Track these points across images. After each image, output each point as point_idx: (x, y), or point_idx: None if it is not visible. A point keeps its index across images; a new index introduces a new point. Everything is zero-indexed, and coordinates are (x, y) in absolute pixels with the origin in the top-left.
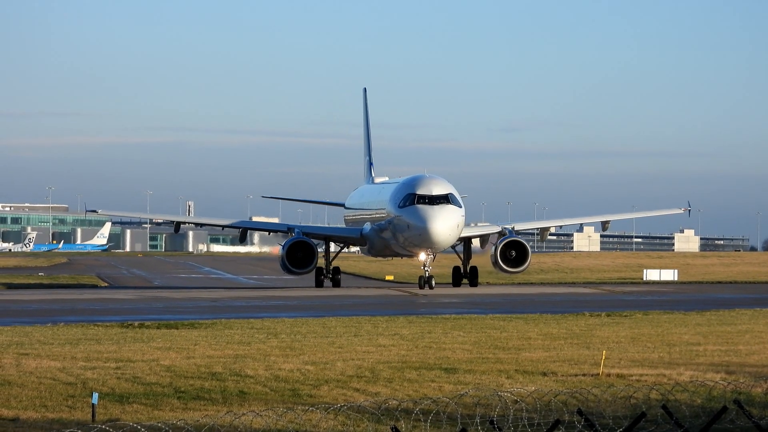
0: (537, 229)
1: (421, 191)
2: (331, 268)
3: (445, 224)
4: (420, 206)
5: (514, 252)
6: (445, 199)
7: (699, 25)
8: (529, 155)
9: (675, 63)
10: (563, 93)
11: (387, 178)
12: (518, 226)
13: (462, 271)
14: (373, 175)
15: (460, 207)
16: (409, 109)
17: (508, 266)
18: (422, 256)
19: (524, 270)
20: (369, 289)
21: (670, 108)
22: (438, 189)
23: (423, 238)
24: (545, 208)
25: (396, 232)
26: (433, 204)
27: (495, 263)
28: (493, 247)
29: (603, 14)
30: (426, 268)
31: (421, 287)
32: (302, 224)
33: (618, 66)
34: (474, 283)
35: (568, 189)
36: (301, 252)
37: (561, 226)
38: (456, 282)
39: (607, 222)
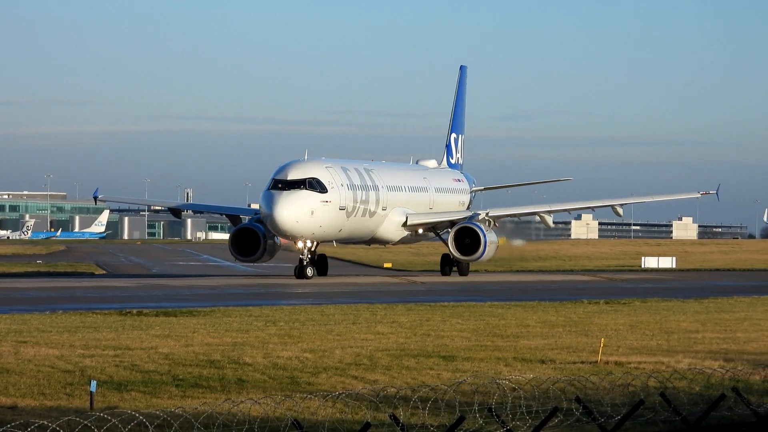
0: (511, 215)
1: (279, 176)
2: (316, 256)
3: (292, 211)
4: (271, 191)
5: (468, 239)
6: (303, 183)
7: (701, 16)
8: (532, 144)
9: (676, 52)
10: (566, 82)
11: (432, 163)
12: (493, 212)
13: (451, 258)
14: (449, 158)
15: (324, 192)
16: (411, 98)
17: (462, 254)
18: (299, 243)
19: (479, 259)
20: (363, 278)
21: (669, 97)
22: (296, 173)
23: (272, 225)
24: (543, 195)
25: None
26: (284, 189)
27: (450, 251)
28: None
29: (606, 1)
30: (302, 257)
31: (297, 276)
32: None
33: (620, 55)
34: (463, 271)
35: (572, 177)
36: (249, 238)
37: (550, 212)
38: (444, 270)
39: (617, 206)
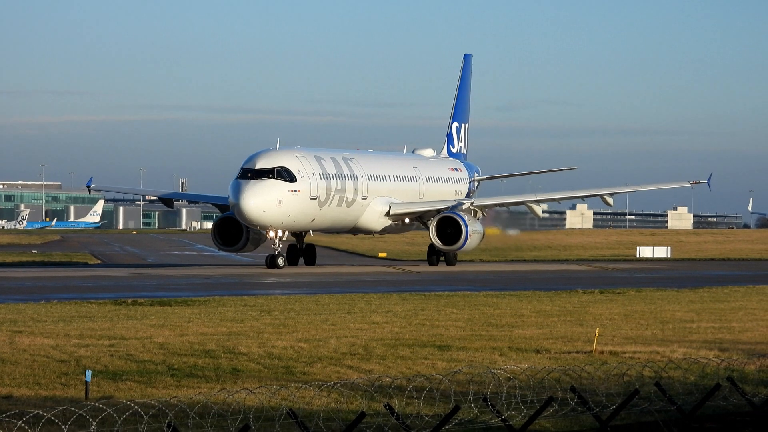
0: (497, 204)
1: (247, 165)
2: (303, 245)
3: (259, 200)
4: (239, 181)
5: (450, 229)
6: (271, 173)
7: (694, 7)
8: (525, 133)
9: (669, 42)
10: (559, 71)
11: (429, 152)
12: (478, 202)
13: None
14: (450, 148)
15: (293, 182)
16: (411, 88)
17: (444, 244)
18: (270, 233)
19: (461, 249)
20: (355, 267)
21: (664, 86)
22: (265, 163)
23: (240, 215)
24: (539, 185)
25: None
26: (251, 179)
27: (433, 240)
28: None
29: None
30: (274, 246)
31: (268, 266)
32: None
33: (613, 45)
34: (450, 261)
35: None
36: (233, 228)
37: (538, 201)
38: (431, 260)
39: (606, 196)
